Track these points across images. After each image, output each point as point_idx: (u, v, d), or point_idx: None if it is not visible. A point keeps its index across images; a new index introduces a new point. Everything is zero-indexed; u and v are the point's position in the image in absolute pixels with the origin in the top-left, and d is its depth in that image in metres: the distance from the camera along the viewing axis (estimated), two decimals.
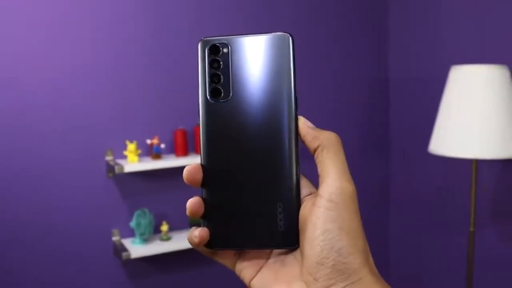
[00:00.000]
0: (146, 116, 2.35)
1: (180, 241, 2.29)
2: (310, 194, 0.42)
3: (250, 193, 0.41)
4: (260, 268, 0.42)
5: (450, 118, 1.90)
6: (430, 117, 2.67)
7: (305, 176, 0.43)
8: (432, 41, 2.61)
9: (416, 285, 2.85)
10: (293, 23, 2.62)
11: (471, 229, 2.02)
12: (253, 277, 0.42)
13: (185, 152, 2.30)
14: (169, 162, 2.21)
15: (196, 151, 2.34)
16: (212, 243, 0.41)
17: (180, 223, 2.48)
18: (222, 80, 0.41)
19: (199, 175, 0.41)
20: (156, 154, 2.24)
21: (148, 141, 2.26)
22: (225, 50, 0.41)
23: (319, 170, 0.40)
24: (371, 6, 2.82)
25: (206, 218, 0.41)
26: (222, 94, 0.41)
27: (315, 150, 0.40)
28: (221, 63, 0.41)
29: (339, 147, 0.40)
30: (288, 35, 0.42)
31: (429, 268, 2.76)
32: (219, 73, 0.41)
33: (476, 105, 1.84)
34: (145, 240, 2.27)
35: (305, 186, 0.42)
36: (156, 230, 2.43)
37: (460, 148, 1.85)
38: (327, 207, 0.38)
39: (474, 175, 1.99)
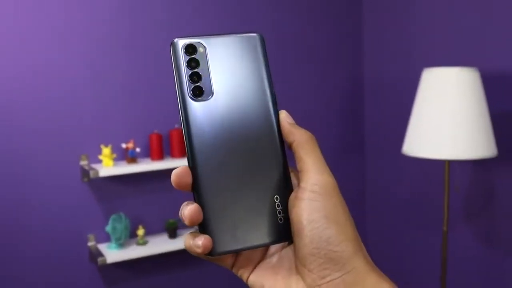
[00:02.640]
0: (121, 120, 2.33)
1: (156, 245, 2.28)
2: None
3: (246, 191, 0.40)
4: (257, 265, 0.43)
5: (422, 120, 1.93)
6: (404, 119, 2.70)
7: (292, 168, 0.43)
8: (405, 44, 2.65)
9: None
10: (267, 25, 2.63)
11: (445, 228, 2.05)
12: (251, 274, 0.42)
13: (160, 156, 2.29)
14: (145, 166, 2.20)
15: (172, 155, 2.33)
16: (214, 249, 0.39)
17: (156, 227, 2.46)
18: (202, 79, 0.41)
19: (188, 178, 0.40)
20: (131, 158, 2.22)
21: (123, 145, 2.25)
22: (201, 49, 0.41)
23: (298, 166, 0.41)
24: (346, 8, 2.85)
25: (205, 224, 0.39)
26: (204, 93, 0.41)
27: (290, 146, 0.41)
28: (199, 62, 0.41)
29: (313, 144, 0.41)
30: (259, 35, 0.43)
31: (404, 267, 2.80)
32: (198, 71, 0.41)
33: (447, 107, 1.87)
34: (121, 245, 2.25)
35: (293, 179, 0.42)
36: (132, 235, 2.41)
37: (433, 149, 1.88)
38: (311, 198, 0.38)
39: (446, 175, 2.03)
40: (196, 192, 0.40)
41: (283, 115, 0.42)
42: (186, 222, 0.39)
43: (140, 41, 2.35)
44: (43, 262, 2.23)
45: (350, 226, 0.39)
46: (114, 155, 2.19)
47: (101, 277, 2.36)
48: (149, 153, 2.39)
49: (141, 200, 2.41)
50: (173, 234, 2.36)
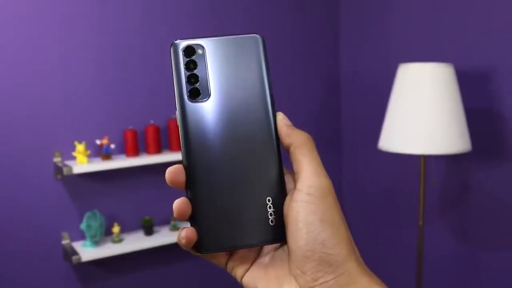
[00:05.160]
0: (95, 116, 2.30)
1: (132, 243, 2.25)
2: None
3: (238, 191, 0.41)
4: (251, 265, 0.43)
5: (398, 115, 1.94)
6: (380, 114, 2.72)
7: (288, 170, 0.43)
8: (381, 39, 2.66)
9: None
10: (242, 21, 2.62)
11: (420, 223, 2.07)
12: (244, 274, 0.43)
13: (135, 152, 2.26)
14: (120, 162, 2.17)
15: (147, 151, 2.31)
16: (202, 246, 0.40)
17: (132, 225, 2.43)
18: (200, 81, 0.41)
19: (182, 176, 0.40)
20: (106, 154, 2.19)
21: (98, 142, 2.21)
22: (199, 51, 0.42)
23: (294, 167, 0.41)
24: (322, 4, 2.85)
25: (193, 219, 0.40)
26: (201, 94, 0.41)
27: (287, 148, 0.41)
28: (197, 64, 0.42)
29: (311, 146, 0.41)
30: (259, 36, 0.43)
31: (380, 261, 2.82)
32: (196, 73, 0.42)
33: (423, 102, 1.89)
34: (96, 243, 2.22)
35: (289, 181, 0.42)
36: (107, 232, 2.38)
37: (408, 145, 1.90)
38: (306, 200, 0.38)
39: (422, 170, 2.05)
40: (188, 190, 0.40)
41: (280, 117, 0.42)
42: (175, 214, 0.40)
43: (115, 35, 2.31)
44: (16, 261, 2.19)
45: (344, 229, 0.39)
46: (88, 152, 2.16)
47: (76, 276, 2.33)
48: (124, 150, 2.36)
49: (116, 197, 2.38)
50: (149, 231, 2.33)
